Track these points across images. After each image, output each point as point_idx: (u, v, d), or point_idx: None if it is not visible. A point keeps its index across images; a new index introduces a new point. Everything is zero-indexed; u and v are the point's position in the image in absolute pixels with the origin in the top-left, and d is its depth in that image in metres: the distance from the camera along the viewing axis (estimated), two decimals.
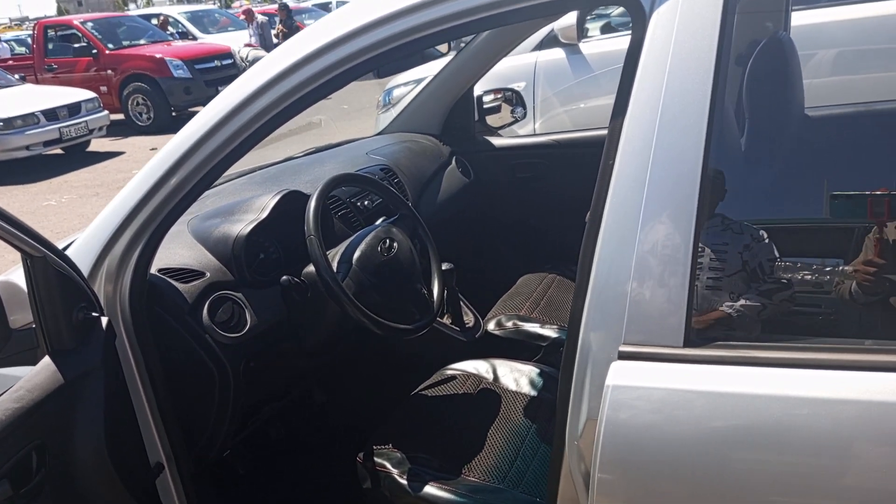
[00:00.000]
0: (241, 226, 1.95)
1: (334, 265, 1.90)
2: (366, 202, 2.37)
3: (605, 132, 1.28)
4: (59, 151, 10.74)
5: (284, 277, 1.85)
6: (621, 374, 1.19)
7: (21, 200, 8.46)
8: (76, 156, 10.79)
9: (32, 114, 9.82)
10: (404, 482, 1.78)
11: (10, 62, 15.20)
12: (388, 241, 1.95)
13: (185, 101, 12.39)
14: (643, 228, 1.19)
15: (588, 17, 4.86)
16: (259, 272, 1.96)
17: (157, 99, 12.31)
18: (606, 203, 1.23)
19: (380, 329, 1.83)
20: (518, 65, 4.64)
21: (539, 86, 4.62)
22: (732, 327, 1.33)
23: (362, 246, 1.91)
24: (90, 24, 13.28)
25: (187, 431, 1.82)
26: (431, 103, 3.04)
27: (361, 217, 2.33)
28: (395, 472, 1.80)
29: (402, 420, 2.00)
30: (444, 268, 2.18)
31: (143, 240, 1.58)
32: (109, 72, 12.63)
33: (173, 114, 12.37)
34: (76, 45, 12.90)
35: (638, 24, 1.24)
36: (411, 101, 3.12)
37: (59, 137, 10.15)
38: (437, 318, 2.27)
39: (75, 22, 13.37)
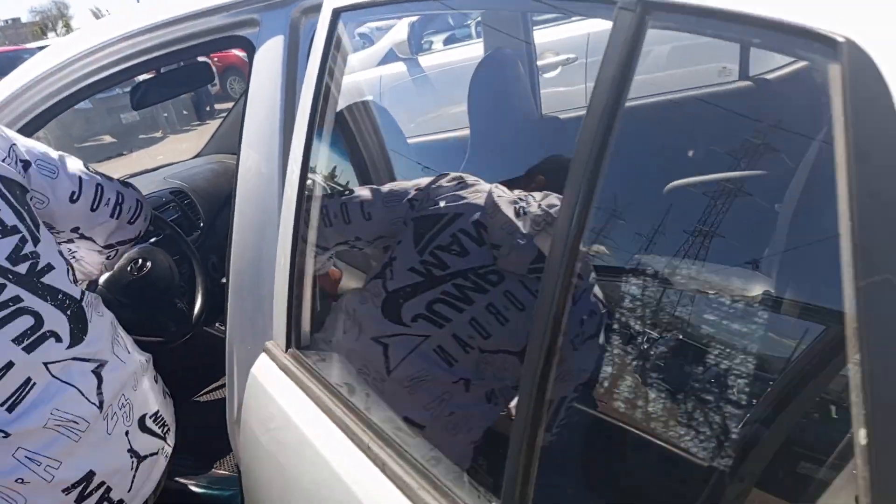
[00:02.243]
0: None
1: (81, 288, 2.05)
2: None
3: None
4: None
5: None
6: (260, 366, 1.36)
7: None
8: None
9: None
10: None
11: None
12: (139, 260, 2.09)
13: (87, 132, 12.28)
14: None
15: (427, 32, 5.09)
16: None
17: (58, 131, 12.16)
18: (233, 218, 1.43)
19: None
20: (364, 80, 4.84)
21: (385, 99, 4.81)
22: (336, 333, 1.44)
23: (111, 268, 2.06)
24: None
25: None
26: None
27: None
28: None
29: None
30: (224, 282, 2.34)
31: None
32: None
33: (75, 146, 12.24)
34: None
35: (250, 61, 1.43)
36: (223, 122, 3.27)
37: None
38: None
39: None
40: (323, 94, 1.20)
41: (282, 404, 1.22)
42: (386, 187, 1.56)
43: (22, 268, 1.18)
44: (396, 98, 4.61)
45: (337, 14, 1.14)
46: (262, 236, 1.41)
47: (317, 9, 1.29)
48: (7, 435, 1.11)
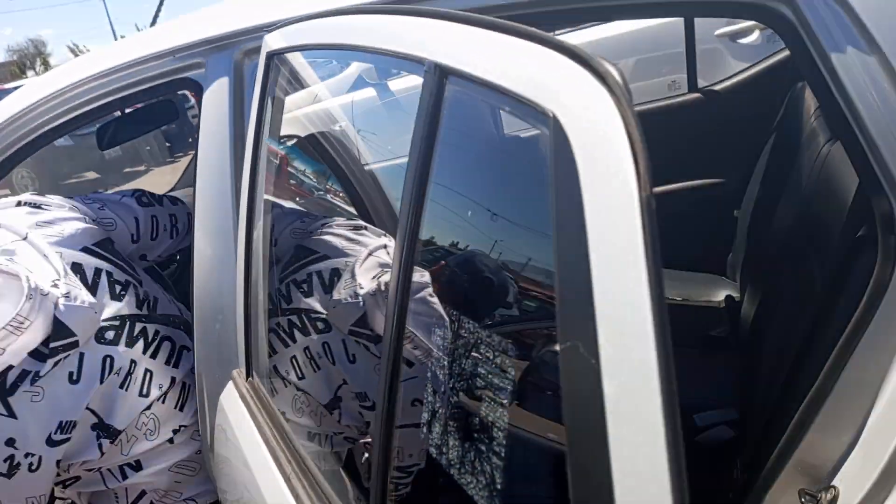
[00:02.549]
0: None
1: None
2: None
3: None
4: None
5: None
6: (226, 393, 1.42)
7: None
8: None
9: None
10: None
11: None
12: None
13: (70, 168, 12.31)
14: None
15: None
16: None
17: (42, 170, 12.19)
18: (193, 250, 1.48)
19: None
20: (336, 105, 4.90)
21: (357, 122, 4.87)
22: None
23: None
24: None
25: None
26: None
27: None
28: None
29: None
30: None
31: None
32: None
33: (60, 183, 12.25)
34: None
35: (199, 102, 1.49)
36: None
37: None
38: None
39: None
40: (264, 130, 1.26)
41: (237, 432, 1.28)
42: (301, 218, 1.63)
43: (145, 309, 1.48)
44: (366, 123, 4.71)
45: (271, 58, 1.20)
46: (221, 265, 1.46)
47: (258, 50, 1.36)
48: (186, 427, 1.48)
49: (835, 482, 1.16)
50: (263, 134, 1.30)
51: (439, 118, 0.78)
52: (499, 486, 0.80)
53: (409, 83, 5.24)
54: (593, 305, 0.51)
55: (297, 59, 1.44)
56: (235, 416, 1.31)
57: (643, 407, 0.47)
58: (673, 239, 2.87)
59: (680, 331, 1.96)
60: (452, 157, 0.96)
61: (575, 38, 4.30)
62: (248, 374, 1.36)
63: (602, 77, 0.53)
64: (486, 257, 0.99)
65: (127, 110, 2.20)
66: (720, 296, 2.44)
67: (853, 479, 1.12)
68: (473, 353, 0.91)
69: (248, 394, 1.31)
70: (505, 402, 0.83)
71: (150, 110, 2.37)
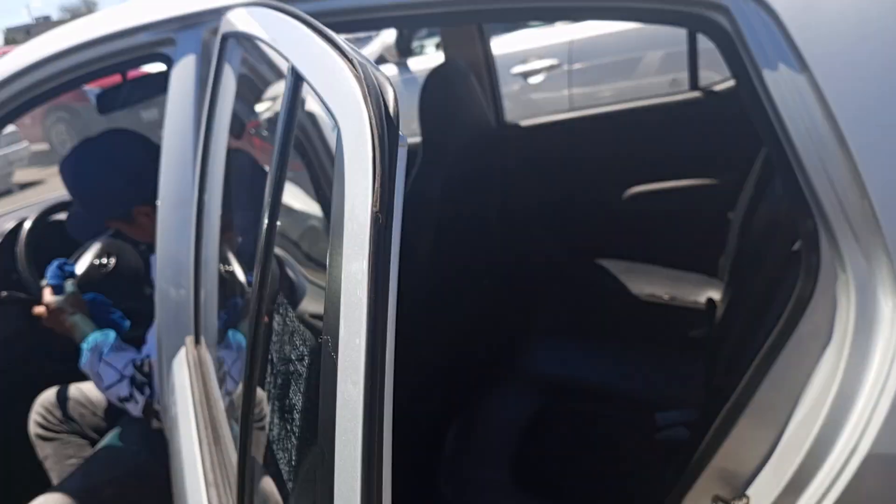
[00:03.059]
0: None
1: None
2: None
3: None
4: None
5: (3, 293, 2.09)
6: (178, 358, 1.47)
7: None
8: None
9: None
10: None
11: None
12: (105, 256, 2.20)
13: (108, 126, 12.51)
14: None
15: (418, 36, 5.17)
16: None
17: (80, 127, 12.42)
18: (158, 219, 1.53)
19: None
20: None
21: None
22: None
23: (83, 266, 2.15)
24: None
25: None
26: None
27: None
28: None
29: None
30: None
31: None
32: None
33: None
34: None
35: (168, 77, 1.53)
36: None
37: None
38: None
39: None
40: (217, 106, 1.29)
41: (178, 396, 1.33)
42: None
43: None
44: None
45: (225, 39, 1.23)
46: (182, 234, 1.49)
47: None
48: None
49: (748, 491, 1.17)
50: (217, 110, 1.34)
51: (293, 120, 0.82)
52: None
53: (429, 63, 5.25)
54: (339, 304, 0.56)
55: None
56: (181, 380, 1.37)
57: (356, 398, 0.54)
58: (667, 238, 2.86)
59: (663, 330, 1.96)
60: (302, 157, 1.02)
61: (591, 28, 4.25)
62: (197, 341, 1.41)
63: (368, 95, 0.56)
64: None
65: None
66: (706, 297, 2.44)
67: (764, 489, 1.13)
68: None
69: (192, 360, 1.35)
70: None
71: (151, 78, 2.42)
